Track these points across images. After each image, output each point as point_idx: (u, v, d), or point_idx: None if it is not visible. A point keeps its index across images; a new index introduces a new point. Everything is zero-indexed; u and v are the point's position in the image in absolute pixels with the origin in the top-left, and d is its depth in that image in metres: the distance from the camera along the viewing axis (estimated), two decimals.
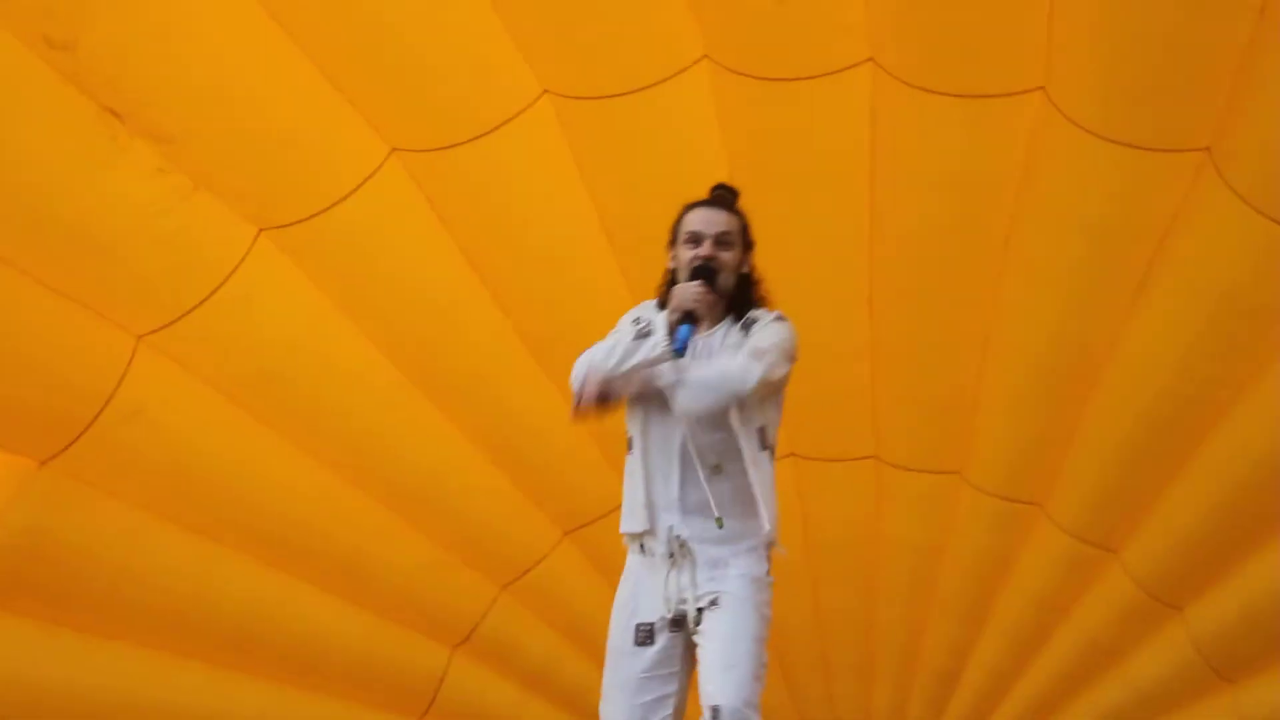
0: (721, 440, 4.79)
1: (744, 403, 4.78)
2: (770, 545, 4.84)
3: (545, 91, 6.85)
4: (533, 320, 6.99)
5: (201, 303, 7.06)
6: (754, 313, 4.93)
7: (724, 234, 4.90)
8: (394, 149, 6.95)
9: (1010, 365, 7.22)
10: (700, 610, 4.74)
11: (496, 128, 6.87)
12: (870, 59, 6.54)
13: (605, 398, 4.79)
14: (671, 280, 4.88)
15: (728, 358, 4.78)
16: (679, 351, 4.68)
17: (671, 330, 4.69)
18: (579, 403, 4.80)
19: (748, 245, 4.97)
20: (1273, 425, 6.94)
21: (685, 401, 4.72)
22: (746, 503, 4.79)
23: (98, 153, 6.69)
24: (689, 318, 4.70)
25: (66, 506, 7.29)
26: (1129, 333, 6.99)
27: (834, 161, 6.85)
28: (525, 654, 7.96)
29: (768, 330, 4.88)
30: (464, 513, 7.62)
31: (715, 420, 4.78)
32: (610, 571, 7.76)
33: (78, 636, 7.49)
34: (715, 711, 4.61)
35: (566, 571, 7.75)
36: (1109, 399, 7.18)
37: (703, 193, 6.82)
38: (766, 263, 6.99)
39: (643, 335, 4.76)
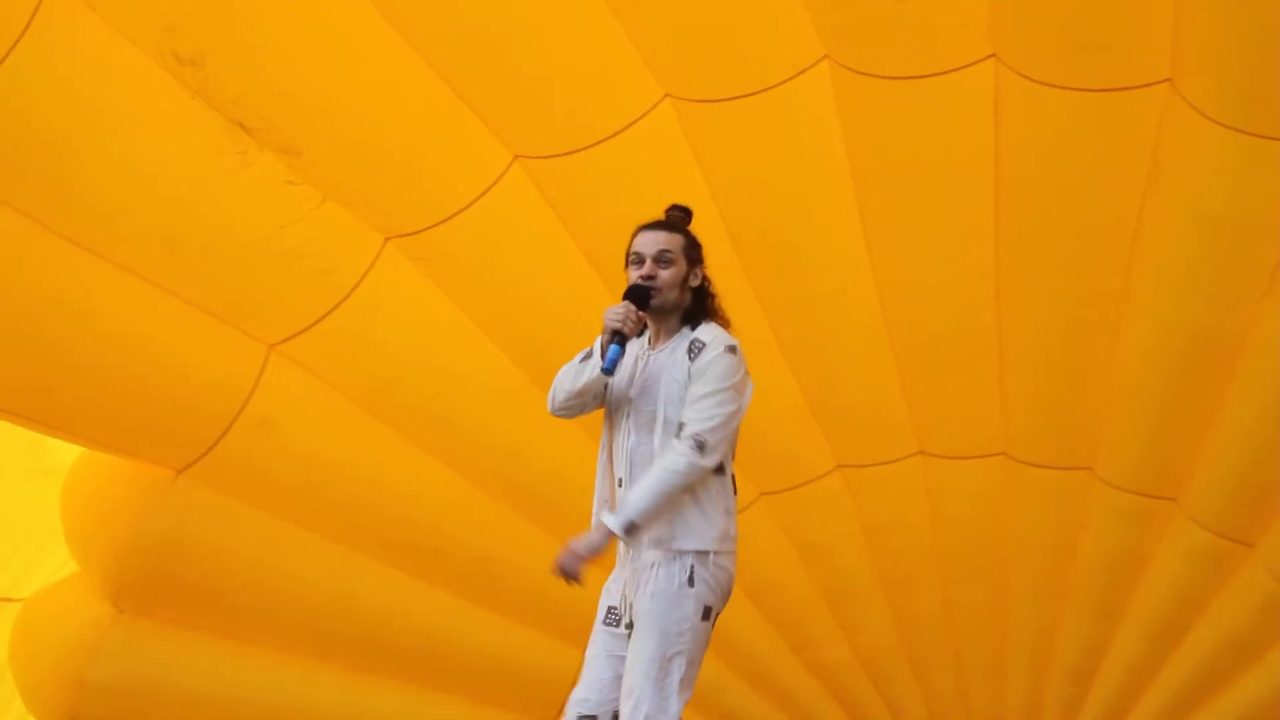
0: (644, 444, 5.02)
1: (673, 420, 4.98)
2: (697, 553, 4.93)
3: (666, 95, 6.87)
4: None
5: (331, 311, 7.17)
6: (705, 334, 5.08)
7: (663, 252, 5.04)
8: (517, 156, 7.00)
9: (1141, 359, 7.21)
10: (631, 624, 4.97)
11: (618, 132, 6.92)
12: (993, 55, 6.52)
13: (575, 409, 5.16)
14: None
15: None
16: (608, 370, 4.92)
17: (603, 350, 4.91)
18: (554, 413, 5.18)
19: (693, 260, 5.11)
20: None
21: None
22: (677, 514, 4.92)
23: (227, 166, 6.76)
24: (616, 337, 4.90)
25: (203, 515, 7.44)
26: (1262, 323, 6.93)
27: (958, 158, 6.86)
28: None
29: (712, 376, 5.00)
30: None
31: (650, 425, 5.03)
32: (744, 569, 7.83)
33: (216, 642, 7.65)
34: None
35: None
36: (1243, 391, 7.14)
37: (828, 191, 6.91)
38: (891, 262, 7.07)
39: (587, 357, 5.00)
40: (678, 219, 5.18)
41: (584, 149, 6.93)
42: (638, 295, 4.94)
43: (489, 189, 7.03)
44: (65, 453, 7.82)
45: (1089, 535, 7.69)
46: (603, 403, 5.10)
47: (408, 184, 7.08)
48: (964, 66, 6.59)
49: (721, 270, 7.02)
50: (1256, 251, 6.82)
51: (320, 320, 7.20)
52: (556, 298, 7.24)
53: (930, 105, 6.71)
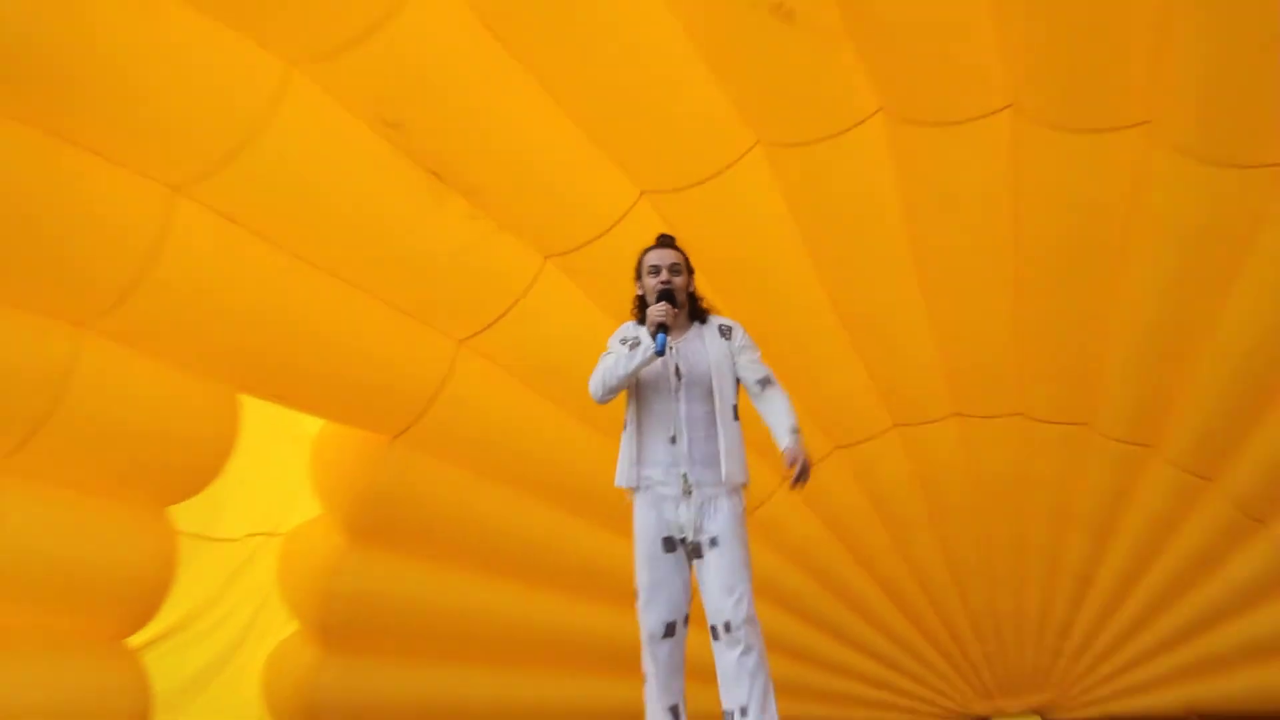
0: (706, 415, 5.04)
1: (724, 389, 5.08)
2: (745, 486, 5.09)
3: (758, 142, 6.54)
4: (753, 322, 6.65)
5: (504, 313, 6.95)
6: (723, 320, 5.25)
7: (674, 264, 5.17)
8: (643, 191, 6.71)
9: (1127, 338, 6.84)
10: (701, 543, 4.98)
11: (721, 171, 6.54)
12: (1010, 105, 6.17)
13: (615, 395, 5.15)
14: (641, 302, 5.22)
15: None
16: (660, 351, 4.99)
17: (653, 334, 5.00)
18: (600, 400, 5.16)
19: (690, 271, 5.23)
20: None
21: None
22: (728, 461, 5.01)
23: (425, 205, 6.54)
24: (662, 328, 5.00)
25: (413, 470, 7.29)
26: (1224, 310, 6.58)
27: (986, 188, 6.48)
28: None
29: (751, 346, 5.20)
30: None
31: (706, 400, 5.08)
32: (824, 506, 7.30)
33: (424, 564, 7.50)
34: (727, 625, 4.90)
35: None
36: (1207, 361, 6.76)
37: (884, 218, 6.64)
38: (933, 271, 6.83)
39: (634, 346, 5.07)
40: (671, 241, 5.29)
41: (695, 185, 6.58)
42: (669, 297, 5.08)
43: (624, 215, 6.73)
44: (311, 425, 7.72)
45: (1087, 475, 7.38)
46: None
47: (561, 214, 6.80)
48: (990, 114, 6.22)
49: (802, 280, 6.70)
50: (1215, 258, 6.43)
51: (496, 321, 6.98)
52: None
53: (963, 147, 6.33)
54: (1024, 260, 6.68)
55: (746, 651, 4.86)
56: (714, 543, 4.93)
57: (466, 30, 6.10)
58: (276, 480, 7.94)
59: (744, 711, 4.86)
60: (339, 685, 7.50)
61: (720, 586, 4.89)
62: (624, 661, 6.72)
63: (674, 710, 5.03)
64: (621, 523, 7.40)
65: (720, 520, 4.96)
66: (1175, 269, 6.49)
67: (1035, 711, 7.54)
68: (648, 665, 5.03)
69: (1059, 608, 7.54)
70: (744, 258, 6.77)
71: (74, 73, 5.70)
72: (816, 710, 7.59)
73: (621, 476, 5.12)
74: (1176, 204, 6.24)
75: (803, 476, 4.88)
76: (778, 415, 5.02)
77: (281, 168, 6.25)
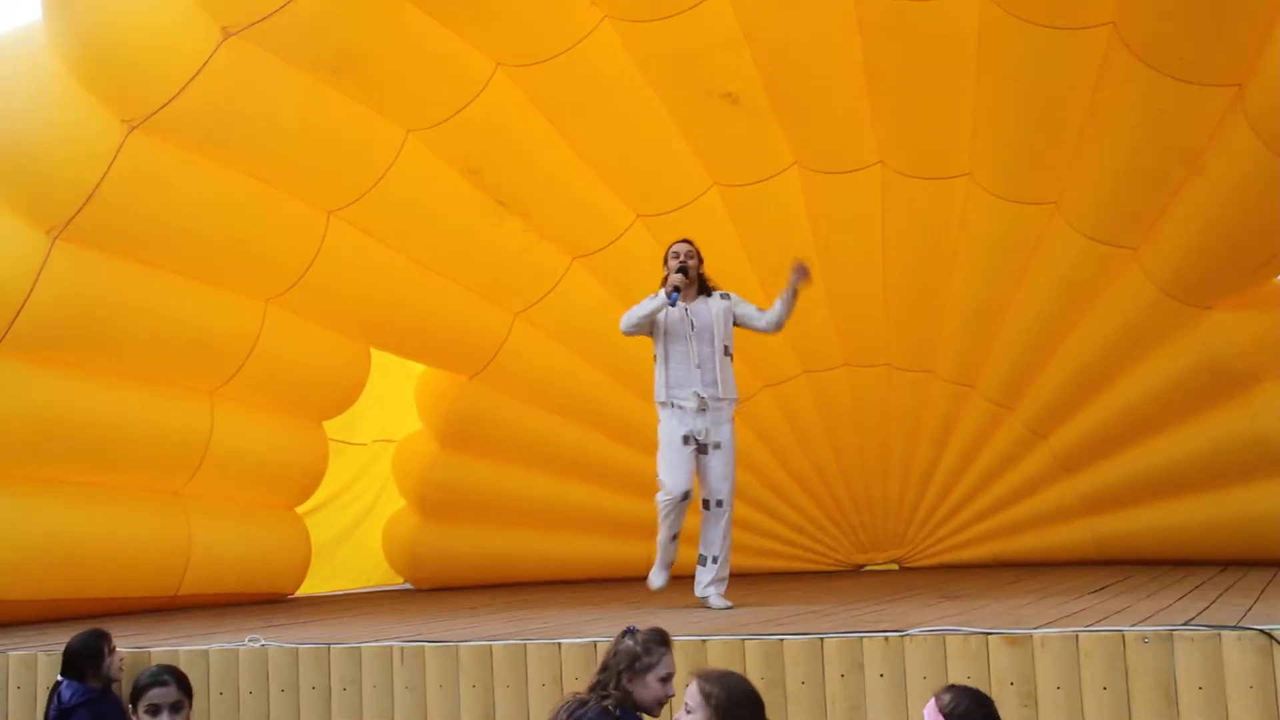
0: (711, 353, 5.24)
1: (722, 335, 5.24)
2: (735, 404, 5.32)
3: (714, 184, 6.94)
4: None
5: (545, 295, 7.39)
6: (726, 292, 5.42)
7: (689, 252, 5.37)
8: (638, 215, 7.12)
9: (957, 315, 7.17)
10: (708, 445, 5.20)
11: (689, 203, 6.86)
12: (880, 161, 6.61)
13: (637, 330, 5.29)
14: (665, 279, 5.34)
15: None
16: (673, 303, 5.20)
17: (669, 294, 5.22)
18: (624, 330, 5.32)
19: (701, 260, 5.42)
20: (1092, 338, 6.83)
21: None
22: (725, 385, 5.26)
23: (493, 223, 6.99)
24: (676, 290, 5.22)
25: (485, 399, 7.73)
26: (1018, 297, 6.88)
27: (864, 213, 6.82)
28: None
29: (744, 300, 5.37)
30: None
31: (710, 343, 5.25)
32: (758, 425, 7.73)
33: (494, 462, 7.90)
34: (719, 502, 5.20)
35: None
36: (1008, 331, 7.07)
37: (799, 239, 6.97)
38: (831, 268, 7.10)
39: (653, 299, 5.27)
40: (688, 240, 5.48)
41: (672, 211, 6.88)
42: (685, 271, 5.30)
43: (625, 231, 7.13)
44: (415, 368, 8.16)
45: (930, 405, 7.62)
46: (649, 332, 5.30)
47: (583, 230, 7.18)
48: (866, 166, 6.61)
49: (743, 273, 7.23)
50: (1010, 268, 6.73)
51: (540, 300, 7.41)
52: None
53: (850, 187, 6.69)
54: (889, 263, 7.07)
55: (725, 520, 5.24)
56: (717, 446, 5.21)
57: (522, 108, 6.49)
58: (392, 405, 8.30)
59: (714, 559, 5.22)
60: (433, 543, 8.06)
61: (718, 476, 5.21)
62: (628, 530, 7.27)
63: (674, 536, 5.28)
64: (625, 437, 7.55)
65: (723, 430, 5.22)
66: (988, 270, 6.85)
67: (894, 561, 7.77)
68: (662, 518, 5.25)
69: (910, 492, 7.75)
70: (705, 259, 7.11)
71: (271, 145, 6.28)
72: (751, 560, 7.67)
73: (659, 394, 5.31)
74: (989, 227, 6.62)
75: (805, 274, 5.26)
76: (776, 302, 5.30)
77: (400, 198, 6.69)
